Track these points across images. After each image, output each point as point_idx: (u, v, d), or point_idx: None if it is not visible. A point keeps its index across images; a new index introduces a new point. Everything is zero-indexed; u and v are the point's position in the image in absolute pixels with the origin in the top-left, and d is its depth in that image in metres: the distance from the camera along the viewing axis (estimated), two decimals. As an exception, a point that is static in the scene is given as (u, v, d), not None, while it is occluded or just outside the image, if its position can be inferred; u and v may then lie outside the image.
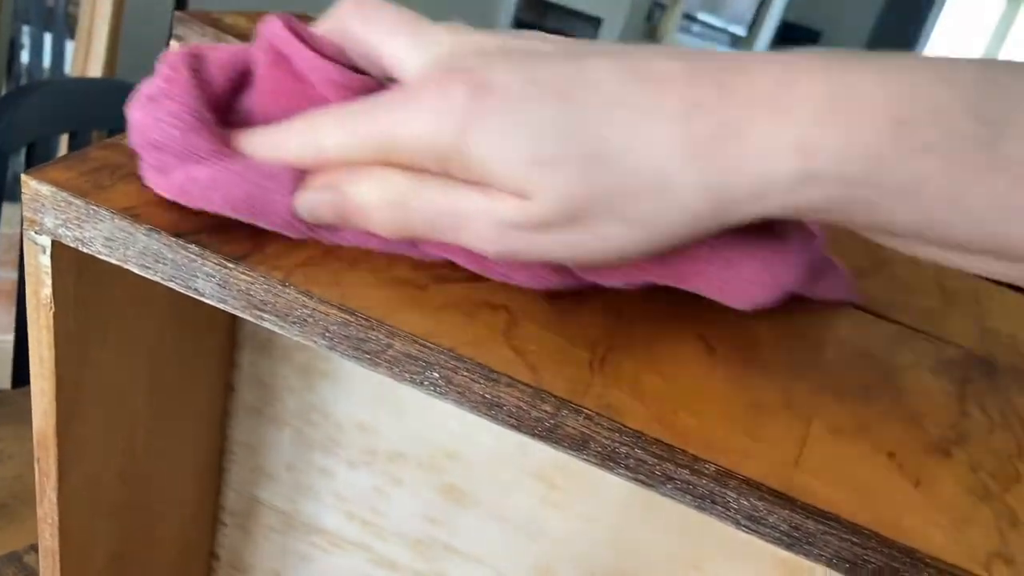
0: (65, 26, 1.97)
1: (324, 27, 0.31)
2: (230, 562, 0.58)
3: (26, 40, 2.04)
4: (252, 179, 0.29)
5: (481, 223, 0.28)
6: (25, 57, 2.10)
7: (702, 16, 3.73)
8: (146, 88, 0.30)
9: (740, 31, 4.26)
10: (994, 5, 5.30)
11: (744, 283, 0.31)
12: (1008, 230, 0.26)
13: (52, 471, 0.35)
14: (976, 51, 5.31)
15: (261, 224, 0.29)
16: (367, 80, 0.31)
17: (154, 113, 0.29)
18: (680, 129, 0.26)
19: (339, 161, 0.29)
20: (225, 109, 0.31)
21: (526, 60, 0.28)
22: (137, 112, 0.29)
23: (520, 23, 3.31)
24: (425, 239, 0.30)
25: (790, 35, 5.01)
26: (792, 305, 0.37)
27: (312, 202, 0.29)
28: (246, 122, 0.31)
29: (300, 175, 0.30)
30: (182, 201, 0.29)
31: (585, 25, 3.26)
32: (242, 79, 0.31)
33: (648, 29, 3.34)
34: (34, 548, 0.66)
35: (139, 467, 0.42)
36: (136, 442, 0.41)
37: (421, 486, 0.49)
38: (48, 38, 1.94)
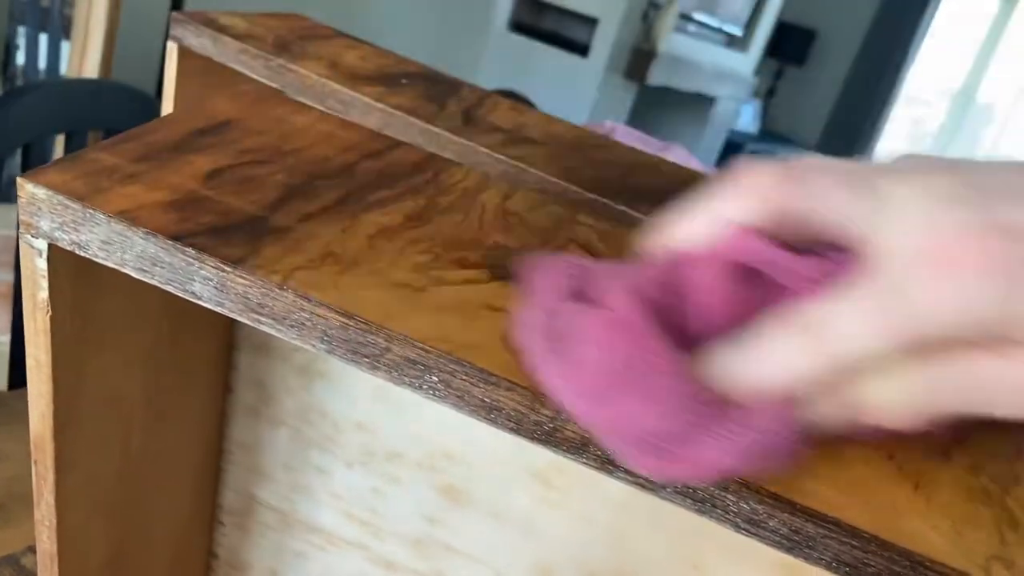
0: (61, 27, 1.97)
1: (743, 205, 0.27)
2: (228, 561, 0.58)
3: (22, 41, 2.04)
4: (759, 426, 0.24)
5: None
6: (21, 58, 2.10)
7: (697, 16, 3.73)
8: (603, 354, 0.24)
9: (736, 31, 4.26)
10: (989, 5, 5.31)
11: None
12: None
13: (49, 473, 0.35)
14: (970, 51, 5.32)
15: (755, 466, 0.25)
16: (825, 263, 0.26)
17: (642, 395, 0.24)
18: None
19: (855, 361, 0.25)
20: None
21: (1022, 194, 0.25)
22: (616, 404, 0.24)
23: (516, 23, 3.31)
24: (942, 416, 0.26)
25: (786, 35, 5.02)
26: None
27: (824, 418, 0.26)
28: (679, 345, 0.25)
29: (788, 396, 0.25)
30: (708, 478, 0.25)
31: (581, 25, 3.26)
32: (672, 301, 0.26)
33: (644, 29, 3.34)
34: (31, 550, 0.66)
35: (136, 468, 0.42)
36: (133, 443, 0.41)
37: (419, 485, 0.49)
38: (44, 39, 1.93)
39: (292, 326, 0.27)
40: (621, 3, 3.15)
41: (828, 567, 0.25)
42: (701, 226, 0.27)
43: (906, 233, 0.25)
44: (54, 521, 0.37)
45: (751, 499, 0.25)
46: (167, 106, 0.58)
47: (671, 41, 3.41)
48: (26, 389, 0.33)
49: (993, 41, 5.27)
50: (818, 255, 0.26)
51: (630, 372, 0.24)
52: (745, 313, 0.26)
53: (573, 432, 0.26)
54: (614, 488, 0.44)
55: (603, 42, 3.22)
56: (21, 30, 2.02)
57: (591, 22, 3.24)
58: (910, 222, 0.25)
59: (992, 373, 0.25)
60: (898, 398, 0.26)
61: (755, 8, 4.25)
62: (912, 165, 0.27)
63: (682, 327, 0.26)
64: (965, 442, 0.30)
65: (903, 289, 0.24)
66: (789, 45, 5.35)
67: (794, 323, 0.25)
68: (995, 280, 0.23)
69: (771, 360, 0.25)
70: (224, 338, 0.48)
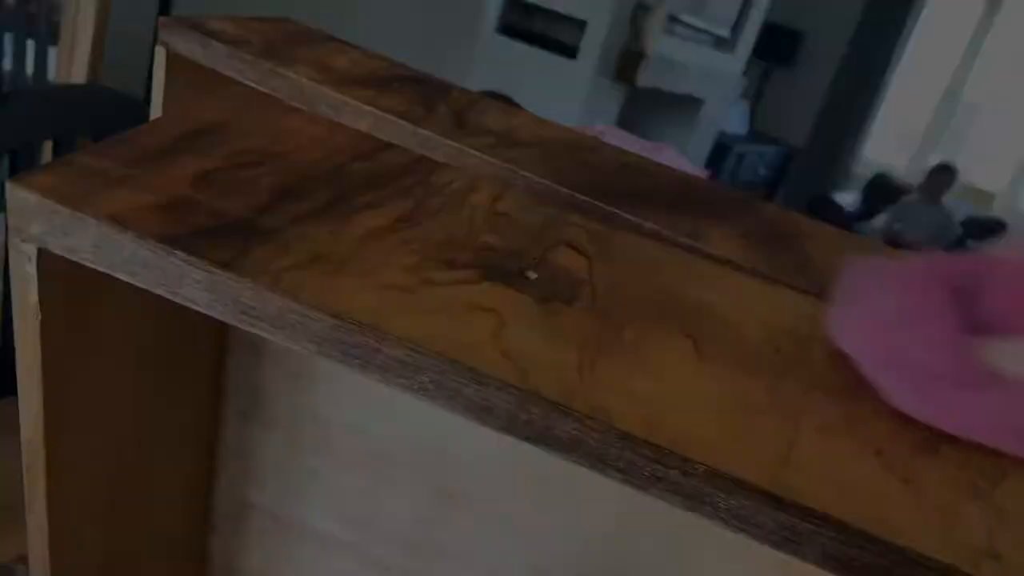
0: (48, 32, 1.96)
1: None
2: (222, 564, 0.57)
3: (8, 47, 2.02)
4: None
5: None
6: (8, 64, 2.08)
7: (685, 18, 3.73)
8: (889, 302, 0.28)
9: (724, 33, 4.27)
10: (972, 11, 5.33)
11: None
12: None
13: (41, 479, 0.35)
14: (956, 51, 5.35)
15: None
16: None
17: (913, 333, 0.27)
18: None
19: None
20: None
21: None
22: (889, 333, 0.27)
23: (505, 26, 3.30)
24: None
25: (773, 36, 5.04)
26: (778, 303, 0.37)
27: None
28: (980, 330, 0.28)
29: None
30: (949, 428, 0.27)
31: (570, 27, 3.26)
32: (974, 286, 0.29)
33: (632, 31, 3.34)
34: (23, 559, 0.66)
35: (129, 473, 0.42)
36: (126, 448, 0.41)
37: (412, 487, 0.49)
38: (31, 45, 1.92)
39: (283, 328, 0.27)
40: (609, 5, 3.16)
41: (818, 563, 0.25)
42: None
43: None
44: (46, 526, 0.37)
45: (740, 495, 0.25)
46: (156, 111, 0.58)
47: (660, 43, 3.41)
48: (16, 397, 0.33)
49: (978, 41, 5.29)
50: None
51: (912, 312, 0.27)
52: None
53: (564, 432, 0.26)
54: (608, 490, 0.44)
55: (592, 44, 3.22)
56: (8, 36, 2.01)
57: (580, 24, 3.24)
58: None
59: None
60: None
61: (742, 9, 4.25)
62: None
63: (973, 313, 0.28)
64: (954, 437, 0.30)
65: None
66: (776, 46, 5.36)
67: None
68: None
69: None
70: (216, 342, 0.48)
